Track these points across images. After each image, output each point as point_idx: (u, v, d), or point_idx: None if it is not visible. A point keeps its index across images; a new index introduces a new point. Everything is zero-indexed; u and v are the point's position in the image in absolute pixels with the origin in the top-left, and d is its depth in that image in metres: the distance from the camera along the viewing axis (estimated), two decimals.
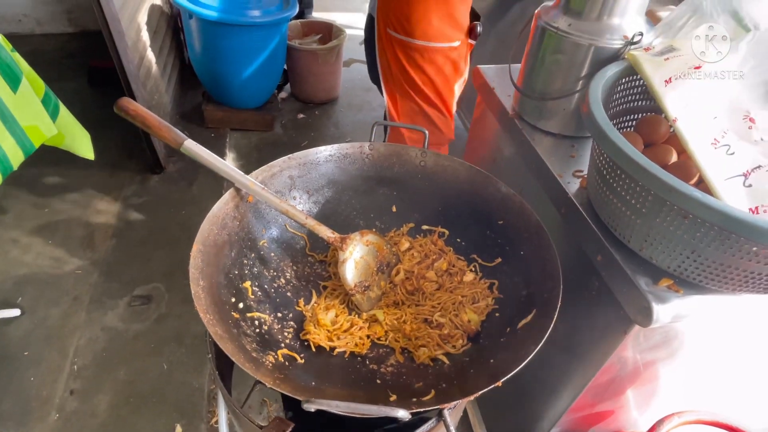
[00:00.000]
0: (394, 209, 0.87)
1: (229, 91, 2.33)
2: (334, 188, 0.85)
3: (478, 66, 1.03)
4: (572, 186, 0.75)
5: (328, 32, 2.69)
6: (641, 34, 0.69)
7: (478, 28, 1.23)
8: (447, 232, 0.84)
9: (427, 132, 0.85)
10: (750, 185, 0.53)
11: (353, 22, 3.72)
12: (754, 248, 0.49)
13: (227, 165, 0.73)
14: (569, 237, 0.76)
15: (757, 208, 0.52)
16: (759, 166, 0.54)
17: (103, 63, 2.36)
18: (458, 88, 1.35)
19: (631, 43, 0.70)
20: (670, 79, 0.63)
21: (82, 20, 3.15)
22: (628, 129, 0.76)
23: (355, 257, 0.76)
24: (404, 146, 0.85)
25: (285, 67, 2.58)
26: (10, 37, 1.32)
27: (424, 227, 0.86)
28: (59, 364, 1.46)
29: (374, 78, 1.36)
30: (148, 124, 0.71)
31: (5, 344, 1.50)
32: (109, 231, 1.90)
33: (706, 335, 0.73)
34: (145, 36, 2.11)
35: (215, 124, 2.43)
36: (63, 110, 1.41)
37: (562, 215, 0.75)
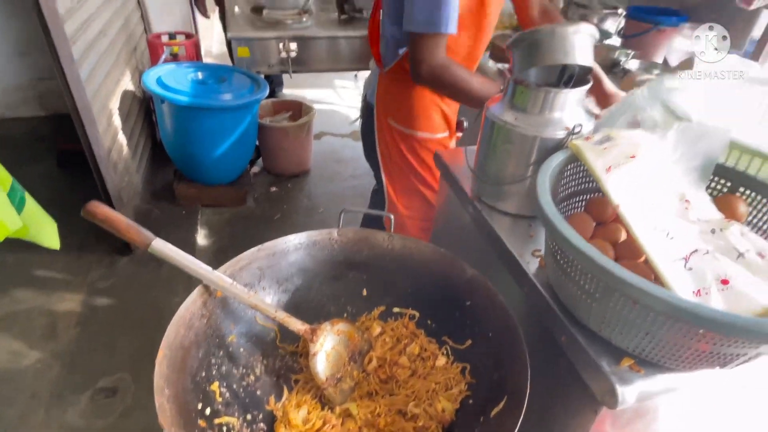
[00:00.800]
0: (364, 293, 0.88)
1: (201, 170, 2.37)
2: (304, 276, 0.86)
3: (438, 151, 1.09)
4: (532, 266, 0.78)
5: (298, 109, 2.80)
6: (581, 125, 0.76)
7: (465, 123, 1.35)
8: (417, 314, 0.85)
9: (392, 216, 0.88)
10: (690, 268, 0.57)
11: (323, 97, 3.89)
12: (701, 330, 0.52)
13: (195, 262, 0.73)
14: (534, 316, 0.78)
15: (699, 290, 0.55)
16: (696, 250, 0.58)
17: (72, 146, 2.37)
18: None
19: (572, 133, 0.76)
20: (609, 167, 0.68)
21: (53, 104, 3.19)
22: (579, 209, 0.81)
23: (326, 349, 0.76)
24: (372, 231, 0.87)
25: (257, 142, 2.65)
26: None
27: (395, 310, 0.87)
28: None
29: (371, 159, 1.42)
30: (116, 227, 0.72)
31: None
32: (73, 319, 1.83)
33: (682, 407, 0.74)
34: (117, 121, 2.16)
35: (187, 201, 2.43)
36: (29, 201, 1.40)
37: (525, 295, 0.78)
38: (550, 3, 1.27)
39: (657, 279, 0.59)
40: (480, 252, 0.94)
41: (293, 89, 3.82)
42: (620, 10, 2.04)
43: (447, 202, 1.11)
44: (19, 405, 1.52)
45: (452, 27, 1.00)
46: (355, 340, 0.79)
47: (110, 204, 1.96)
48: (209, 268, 0.73)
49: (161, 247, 0.72)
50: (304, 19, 2.53)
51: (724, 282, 0.55)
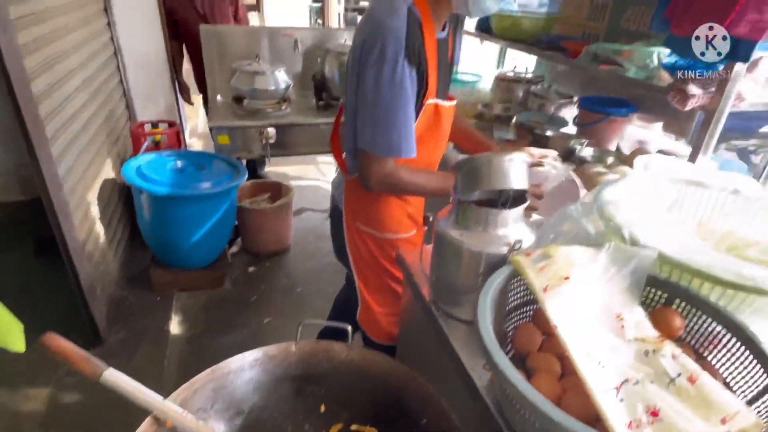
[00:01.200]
0: (322, 409, 0.88)
1: (178, 255, 2.38)
2: (260, 393, 0.86)
3: (400, 250, 1.13)
4: (484, 379, 0.80)
5: (278, 190, 2.87)
6: (520, 241, 0.80)
7: (431, 218, 1.40)
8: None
9: (349, 328, 0.89)
10: (622, 399, 0.59)
11: (304, 173, 4.00)
12: None
13: (146, 392, 0.73)
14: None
15: (631, 422, 0.57)
16: (626, 380, 0.61)
17: (50, 232, 2.39)
18: None
19: (512, 249, 0.80)
20: (546, 288, 0.72)
21: (35, 189, 3.22)
22: (527, 319, 0.84)
23: None
24: (330, 342, 0.88)
25: (236, 223, 2.68)
26: None
27: (353, 427, 0.86)
28: None
29: (342, 258, 1.45)
30: (70, 359, 0.72)
31: None
32: (37, 419, 1.75)
33: None
34: (95, 211, 2.19)
35: (162, 286, 2.42)
36: None
37: (479, 410, 0.78)
38: (478, 132, 1.46)
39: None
40: (438, 362, 0.96)
41: (275, 167, 3.93)
42: (575, 98, 2.19)
43: (410, 304, 1.13)
44: None
45: (409, 151, 1.06)
46: None
47: (82, 296, 1.95)
48: (160, 398, 0.73)
49: (112, 378, 0.73)
50: (284, 107, 2.66)
51: (654, 414, 0.57)
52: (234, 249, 2.87)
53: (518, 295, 0.82)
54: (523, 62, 2.58)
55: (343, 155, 1.30)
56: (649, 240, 0.79)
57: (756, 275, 0.71)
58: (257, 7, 10.67)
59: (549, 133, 1.91)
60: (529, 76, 2.40)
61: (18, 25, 1.58)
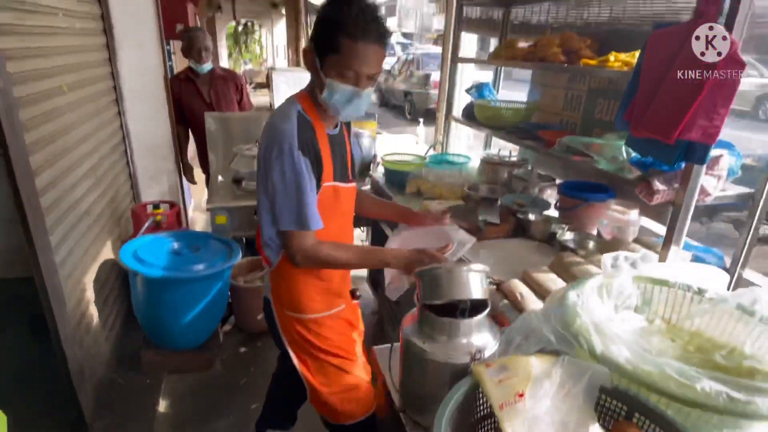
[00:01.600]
0: None
1: (170, 336, 2.38)
2: None
3: (374, 347, 1.14)
4: None
5: None
6: (480, 351, 0.82)
7: (358, 292, 1.48)
8: None
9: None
10: None
11: None
12: None
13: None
14: None
15: None
16: None
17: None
18: (357, 337, 1.55)
19: (473, 359, 0.82)
20: (502, 405, 0.73)
21: None
22: (495, 430, 0.83)
23: None
24: None
25: (230, 300, 2.70)
26: None
27: None
28: None
29: (280, 347, 1.50)
30: None
31: None
32: None
33: None
34: (90, 294, 2.23)
35: (152, 368, 2.40)
36: None
37: None
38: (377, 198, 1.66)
39: None
40: None
41: None
42: (557, 181, 2.27)
43: (383, 408, 1.12)
44: None
45: (317, 224, 1.22)
46: None
47: (69, 381, 1.93)
48: None
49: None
50: None
51: None
52: (227, 327, 2.86)
53: (485, 405, 0.83)
54: (509, 145, 2.70)
55: (265, 251, 1.38)
56: (608, 348, 0.81)
57: (710, 391, 0.72)
58: (267, 85, 11.32)
59: (531, 216, 1.97)
60: (514, 159, 2.50)
61: (27, 126, 1.71)
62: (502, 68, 2.95)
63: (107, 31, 2.77)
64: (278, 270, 1.37)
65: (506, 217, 2.03)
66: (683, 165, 1.31)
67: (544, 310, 0.90)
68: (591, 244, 1.79)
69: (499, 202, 2.16)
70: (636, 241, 1.62)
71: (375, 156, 3.07)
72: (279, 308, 1.42)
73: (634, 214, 1.79)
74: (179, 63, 4.96)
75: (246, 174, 2.78)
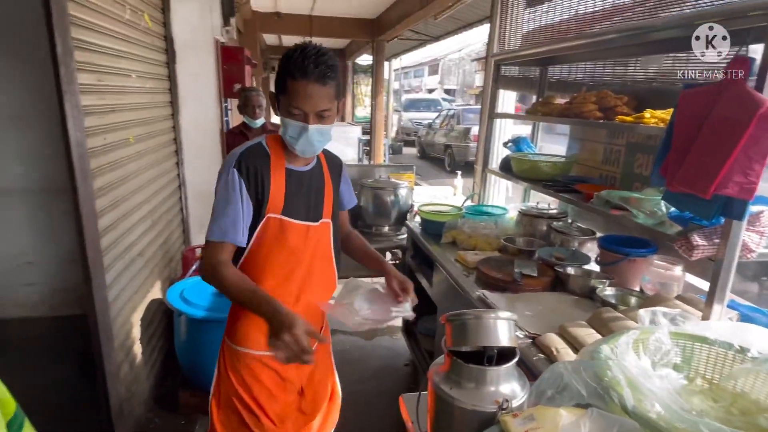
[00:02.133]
0: None
1: (207, 377, 2.41)
2: None
3: (402, 396, 1.14)
4: None
5: None
6: (507, 400, 0.82)
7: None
8: None
9: None
10: None
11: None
12: None
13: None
14: None
15: None
16: None
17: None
18: (292, 398, 1.41)
19: (501, 408, 0.82)
20: None
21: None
22: None
23: None
24: None
25: None
26: (23, 321, 1.50)
27: None
28: None
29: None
30: None
31: None
32: None
33: None
34: (137, 332, 2.34)
35: (188, 410, 2.44)
36: (27, 427, 1.47)
37: None
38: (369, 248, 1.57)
39: None
40: None
41: None
42: (597, 235, 2.24)
43: None
44: None
45: (232, 238, 1.21)
46: None
47: (110, 418, 2.00)
48: None
49: None
50: None
51: None
52: None
53: None
54: (548, 199, 2.70)
55: None
56: (641, 403, 0.79)
57: None
58: None
59: (570, 270, 1.94)
60: (552, 211, 2.50)
61: (95, 173, 1.90)
62: (539, 127, 3.01)
63: (172, 90, 3.06)
64: None
65: (544, 269, 2.01)
66: (722, 221, 1.29)
67: (575, 363, 0.89)
68: (633, 300, 1.74)
69: (536, 254, 2.15)
70: (679, 298, 1.56)
71: (412, 206, 3.15)
72: (224, 338, 1.41)
73: (677, 269, 1.73)
74: (235, 118, 5.34)
75: None
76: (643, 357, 1.01)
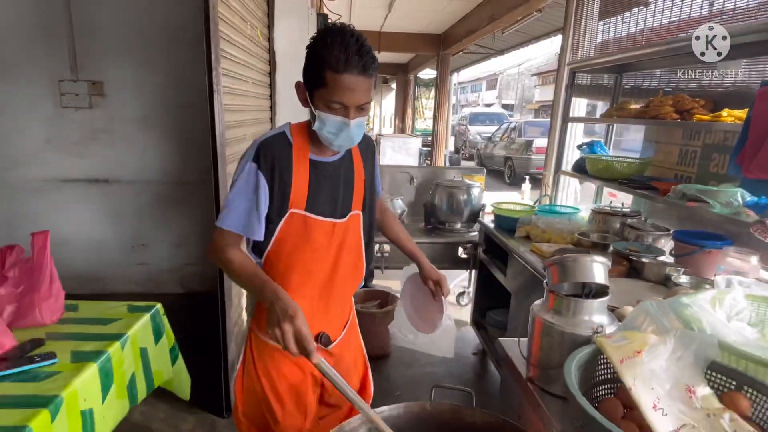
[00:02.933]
0: None
1: None
2: None
3: (500, 339, 1.36)
4: None
5: (385, 299, 3.22)
6: (602, 326, 1.01)
7: (323, 339, 1.30)
8: None
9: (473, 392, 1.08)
10: None
11: None
12: None
13: (346, 383, 1.02)
14: None
15: None
16: (684, 425, 0.77)
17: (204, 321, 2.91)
18: (310, 387, 1.36)
19: (596, 332, 1.02)
20: (622, 360, 0.91)
21: (190, 285, 3.88)
22: (612, 394, 1.00)
23: None
24: (459, 406, 1.06)
25: None
26: (131, 296, 1.86)
27: None
28: None
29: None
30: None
31: None
32: None
33: None
34: (242, 303, 2.69)
35: None
36: (179, 360, 1.82)
37: None
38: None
39: None
40: (536, 425, 1.12)
41: (383, 281, 4.33)
42: (671, 231, 2.34)
43: (506, 383, 1.31)
44: None
45: (253, 234, 1.18)
46: None
47: (225, 370, 2.34)
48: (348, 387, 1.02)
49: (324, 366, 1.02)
50: None
51: None
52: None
53: (603, 372, 1.01)
54: (618, 201, 2.82)
55: None
56: (717, 331, 0.96)
57: None
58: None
59: (645, 259, 2.07)
60: (626, 210, 2.61)
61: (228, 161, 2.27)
62: (614, 131, 3.13)
63: (272, 96, 3.47)
64: None
65: (619, 260, 2.14)
66: None
67: (659, 302, 1.07)
68: (707, 287, 1.84)
69: (611, 248, 2.28)
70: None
71: (484, 206, 3.34)
72: (250, 328, 1.39)
73: (754, 260, 1.82)
74: None
75: None
76: (719, 311, 1.17)
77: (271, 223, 1.21)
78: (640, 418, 0.93)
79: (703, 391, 0.88)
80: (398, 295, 2.80)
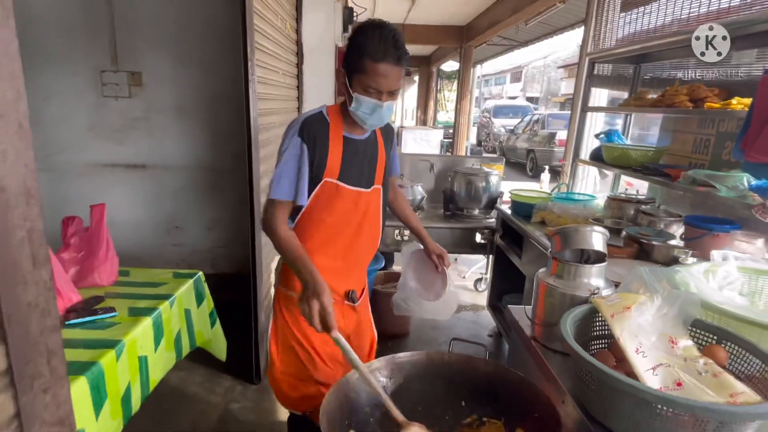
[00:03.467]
0: (463, 403, 1.16)
1: None
2: (420, 380, 1.18)
3: (509, 306, 1.48)
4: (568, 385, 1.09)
5: None
6: (599, 288, 1.13)
7: (353, 294, 1.53)
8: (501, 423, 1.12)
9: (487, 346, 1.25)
10: (657, 374, 0.87)
11: None
12: (658, 408, 0.81)
13: (353, 354, 1.14)
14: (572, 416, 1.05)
15: (661, 387, 0.85)
16: (660, 364, 0.89)
17: (230, 297, 3.10)
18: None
19: (593, 294, 1.14)
20: (613, 315, 1.03)
21: (220, 266, 4.10)
22: (605, 348, 1.12)
23: None
24: (473, 357, 1.19)
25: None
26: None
27: (485, 419, 1.15)
28: None
29: None
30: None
31: None
32: (209, 426, 2.24)
33: None
34: (272, 277, 2.87)
35: None
36: (217, 323, 2.01)
37: (566, 408, 1.07)
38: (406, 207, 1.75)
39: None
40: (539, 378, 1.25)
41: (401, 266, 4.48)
42: (683, 216, 2.41)
43: (515, 343, 1.44)
44: None
45: (280, 195, 1.32)
46: None
47: (256, 339, 2.52)
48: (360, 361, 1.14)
49: (338, 336, 1.16)
50: (418, 214, 3.26)
51: (678, 384, 0.85)
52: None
53: (599, 329, 1.13)
54: (634, 189, 2.89)
55: None
56: (703, 292, 1.07)
57: None
58: (397, 142, 12.47)
59: (655, 242, 2.15)
60: (641, 197, 2.68)
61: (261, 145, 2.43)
62: (632, 120, 3.18)
63: (299, 87, 3.63)
64: None
65: (630, 243, 2.23)
66: None
67: (652, 268, 1.18)
68: None
69: (623, 232, 2.37)
70: None
71: (501, 193, 3.44)
72: (277, 287, 1.54)
73: (759, 242, 1.90)
74: None
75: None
76: (712, 281, 1.27)
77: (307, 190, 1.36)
78: (628, 367, 1.05)
79: (685, 342, 1.00)
80: None
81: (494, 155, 14.67)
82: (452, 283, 1.62)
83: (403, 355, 1.20)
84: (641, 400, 0.82)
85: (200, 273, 1.94)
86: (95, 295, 1.58)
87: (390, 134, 1.58)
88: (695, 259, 1.98)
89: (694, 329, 1.06)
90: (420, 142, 10.39)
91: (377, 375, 1.17)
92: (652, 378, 0.87)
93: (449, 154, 10.24)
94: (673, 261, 2.03)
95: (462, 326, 3.55)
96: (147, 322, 1.45)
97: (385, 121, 1.39)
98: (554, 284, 1.20)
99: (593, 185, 3.65)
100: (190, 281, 1.82)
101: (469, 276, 4.38)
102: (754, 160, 1.51)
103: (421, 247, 1.69)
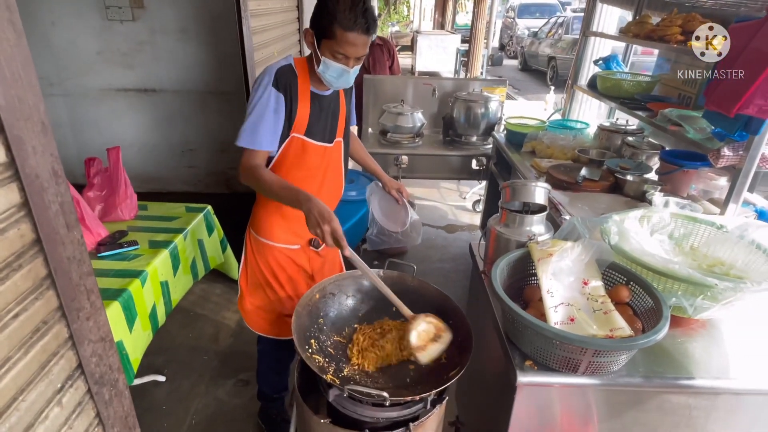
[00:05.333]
0: (393, 309, 1.44)
1: None
2: (375, 291, 1.46)
3: (471, 243, 1.70)
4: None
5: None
6: (536, 235, 1.33)
7: (314, 242, 1.61)
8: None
9: (415, 267, 1.48)
10: (557, 311, 1.10)
11: (428, 195, 4.68)
12: (555, 342, 1.04)
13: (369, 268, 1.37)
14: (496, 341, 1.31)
15: (558, 322, 1.08)
16: (562, 303, 1.11)
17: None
18: (305, 280, 1.66)
19: (530, 239, 1.34)
20: (539, 259, 1.24)
21: (235, 186, 4.38)
22: (534, 284, 1.34)
23: (419, 329, 1.33)
24: (403, 274, 1.44)
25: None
26: (185, 194, 2.26)
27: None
28: (183, 418, 2.10)
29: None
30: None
31: (151, 399, 2.19)
32: (229, 331, 2.65)
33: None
34: None
35: None
36: (228, 249, 2.30)
37: (497, 338, 1.32)
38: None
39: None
40: (484, 304, 1.51)
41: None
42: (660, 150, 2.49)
43: (473, 272, 1.69)
44: (191, 379, 2.30)
45: (266, 146, 1.35)
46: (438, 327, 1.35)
47: None
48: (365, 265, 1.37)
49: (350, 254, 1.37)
50: (417, 140, 3.39)
51: (572, 319, 1.08)
52: (366, 246, 3.64)
53: (532, 268, 1.35)
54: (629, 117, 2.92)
55: None
56: (620, 242, 1.26)
57: (678, 270, 1.15)
58: (411, 47, 11.81)
59: (628, 177, 2.28)
60: (630, 127, 2.75)
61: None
62: (633, 47, 3.11)
63: (299, 6, 3.58)
64: (257, 195, 1.55)
65: (606, 176, 2.36)
66: (747, 137, 1.58)
67: (585, 218, 1.36)
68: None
69: (605, 164, 2.48)
70: (711, 200, 1.89)
71: (501, 119, 3.50)
72: (248, 229, 1.62)
73: (722, 180, 2.02)
74: None
75: (390, 128, 3.44)
76: (645, 226, 1.45)
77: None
78: None
79: (596, 283, 1.21)
80: (415, 202, 3.12)
81: (515, 62, 13.98)
82: (414, 213, 1.78)
83: (351, 273, 1.44)
84: (536, 331, 1.05)
85: (209, 207, 2.19)
86: (120, 230, 1.85)
87: (350, 87, 1.58)
88: (661, 195, 2.14)
89: (610, 271, 1.27)
90: (435, 49, 9.82)
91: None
92: (554, 314, 1.10)
93: (464, 61, 9.80)
94: (643, 195, 2.18)
95: (457, 244, 3.82)
96: (165, 254, 1.73)
97: (351, 84, 1.43)
98: (502, 231, 1.40)
99: (597, 110, 3.65)
100: (201, 215, 2.08)
101: (470, 197, 4.58)
102: (711, 109, 1.59)
103: (380, 184, 1.79)
